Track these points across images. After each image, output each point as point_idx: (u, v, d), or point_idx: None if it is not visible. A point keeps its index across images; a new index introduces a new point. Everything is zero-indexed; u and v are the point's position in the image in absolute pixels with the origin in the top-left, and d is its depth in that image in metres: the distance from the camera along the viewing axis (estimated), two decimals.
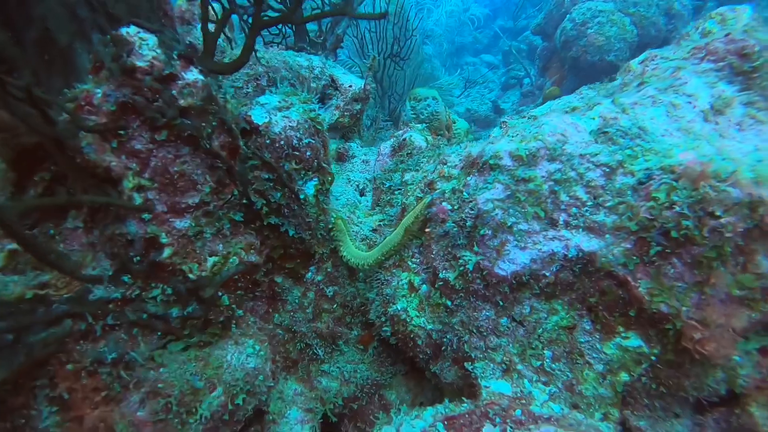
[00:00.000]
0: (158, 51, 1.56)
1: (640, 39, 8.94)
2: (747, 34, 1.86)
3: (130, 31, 1.56)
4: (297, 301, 2.14)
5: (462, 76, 12.29)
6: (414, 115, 2.79)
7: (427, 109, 2.76)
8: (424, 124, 2.71)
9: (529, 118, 2.55)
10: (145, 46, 1.55)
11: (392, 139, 2.67)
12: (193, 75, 1.62)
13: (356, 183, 3.18)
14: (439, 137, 2.73)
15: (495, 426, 1.54)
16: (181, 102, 1.59)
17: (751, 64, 1.78)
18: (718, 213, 1.43)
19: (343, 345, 2.22)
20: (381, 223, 2.26)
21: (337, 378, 2.18)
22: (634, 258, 1.57)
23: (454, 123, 3.05)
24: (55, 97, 1.59)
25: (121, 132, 1.54)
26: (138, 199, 1.61)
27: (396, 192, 2.30)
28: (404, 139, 2.55)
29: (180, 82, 1.59)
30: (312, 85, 3.80)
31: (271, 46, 4.43)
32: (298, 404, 2.11)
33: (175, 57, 1.58)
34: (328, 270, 2.17)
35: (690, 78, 1.84)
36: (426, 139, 2.55)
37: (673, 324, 1.52)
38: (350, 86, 3.88)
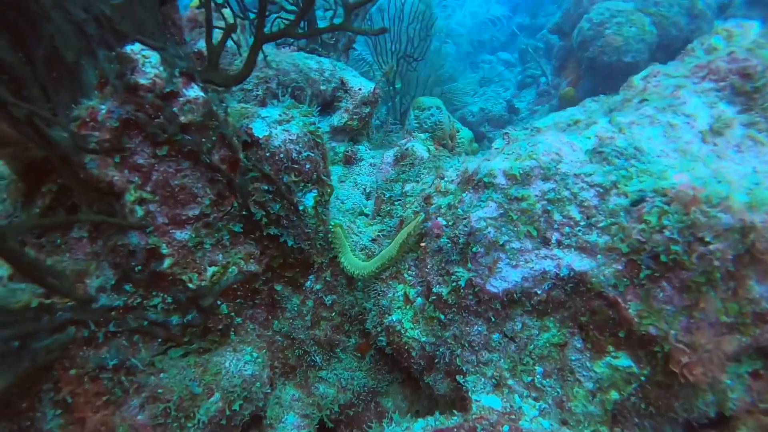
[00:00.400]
0: (160, 68, 1.61)
1: (660, 39, 8.78)
2: (751, 52, 1.84)
3: (134, 49, 1.61)
4: (296, 308, 2.18)
5: (479, 76, 12.21)
6: (417, 125, 2.81)
7: (431, 118, 2.78)
8: (428, 134, 2.72)
9: (532, 129, 2.55)
10: (148, 64, 1.60)
11: (395, 148, 2.69)
12: (194, 92, 1.66)
13: (363, 186, 3.22)
14: (443, 147, 2.74)
15: None
16: (182, 118, 1.64)
17: (753, 85, 1.77)
18: (707, 239, 1.43)
19: (341, 352, 2.26)
20: (380, 233, 2.29)
21: (335, 385, 2.23)
22: (625, 280, 1.58)
23: (458, 132, 3.06)
24: (63, 112, 1.66)
25: (124, 147, 1.60)
26: (140, 211, 1.67)
27: (396, 203, 2.32)
28: (407, 149, 2.57)
29: (181, 98, 1.64)
30: (321, 87, 3.85)
31: (283, 48, 4.49)
32: (295, 410, 2.16)
33: (177, 74, 1.63)
34: (327, 279, 2.21)
35: (690, 98, 1.82)
36: (428, 149, 2.57)
37: (662, 347, 1.53)
38: (360, 89, 3.91)
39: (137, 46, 1.62)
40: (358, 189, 3.20)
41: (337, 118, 3.82)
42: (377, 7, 7.43)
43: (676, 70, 2.02)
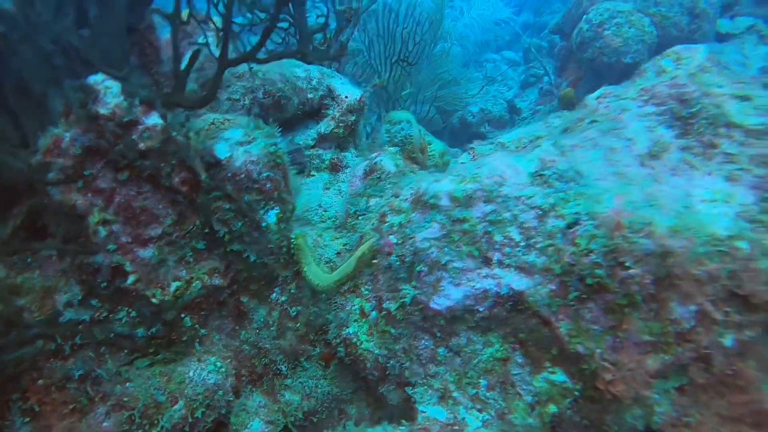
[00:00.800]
0: (120, 98, 1.71)
1: (660, 40, 8.72)
2: (692, 77, 1.90)
3: (97, 80, 1.72)
4: (262, 319, 2.28)
5: (482, 76, 12.20)
6: (388, 138, 2.89)
7: (401, 132, 2.85)
8: (398, 148, 2.80)
9: (496, 144, 2.63)
10: (110, 94, 1.71)
11: (366, 162, 2.77)
12: (152, 120, 1.77)
13: (347, 194, 3.30)
14: (413, 160, 2.82)
15: None
16: (141, 145, 1.74)
17: (690, 110, 1.83)
18: (627, 264, 1.51)
19: (306, 361, 2.36)
20: (344, 247, 2.38)
21: (299, 392, 2.33)
22: (557, 300, 1.66)
23: (430, 145, 3.13)
24: (33, 139, 1.77)
25: (86, 173, 1.71)
26: (103, 232, 1.78)
27: (360, 217, 2.41)
28: (375, 163, 2.66)
29: (140, 126, 1.75)
30: (309, 96, 3.93)
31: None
32: (260, 416, 2.26)
33: (137, 104, 1.73)
34: (292, 291, 2.30)
35: (631, 121, 1.89)
36: (396, 163, 2.65)
37: (589, 364, 1.61)
38: (346, 97, 4.00)
39: (100, 77, 1.73)
40: (342, 197, 3.29)
41: (324, 126, 3.90)
42: (377, 8, 7.48)
43: (625, 91, 2.09)
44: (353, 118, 4.01)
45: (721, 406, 1.54)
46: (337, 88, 4.11)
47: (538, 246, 1.73)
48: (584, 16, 9.40)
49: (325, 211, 3.00)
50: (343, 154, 3.90)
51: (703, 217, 1.59)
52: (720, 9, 9.63)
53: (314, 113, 4.05)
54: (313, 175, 3.68)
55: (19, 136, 1.74)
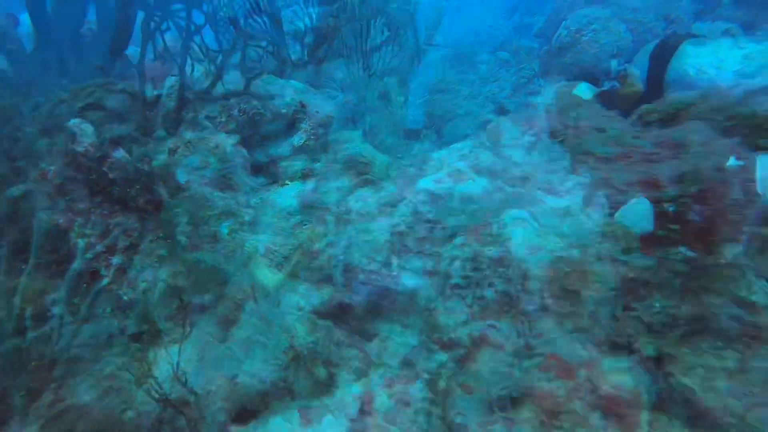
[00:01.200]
0: (93, 138, 2.16)
1: (635, 45, 9.03)
2: (563, 112, 2.31)
3: (75, 123, 2.16)
4: (221, 314, 2.72)
5: (475, 77, 12.52)
6: (333, 156, 3.31)
7: (347, 150, 3.28)
8: (341, 164, 3.22)
9: (424, 160, 3.04)
10: (85, 135, 2.15)
11: (316, 177, 3.20)
12: (120, 154, 2.21)
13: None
14: (359, 175, 3.24)
15: (333, 417, 2.10)
16: (111, 175, 2.19)
17: (557, 140, 2.23)
18: (482, 268, 1.92)
19: (260, 349, 2.79)
20: (290, 251, 2.81)
21: (255, 376, 2.76)
22: (438, 296, 2.08)
23: (374, 159, 3.55)
24: (26, 173, 2.22)
25: (67, 197, 2.16)
26: (82, 243, 2.22)
27: (304, 226, 2.84)
28: (323, 179, 3.09)
29: (110, 160, 2.19)
30: (282, 111, 4.36)
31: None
32: (220, 395, 2.70)
33: (106, 142, 2.18)
34: (246, 290, 2.74)
35: (515, 148, 2.30)
36: (341, 179, 3.07)
37: (461, 347, 2.03)
38: (317, 112, 4.43)
39: (78, 120, 2.18)
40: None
41: (297, 138, 4.30)
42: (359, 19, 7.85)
43: (515, 120, 2.50)
44: (323, 131, 4.42)
45: (563, 379, 1.95)
46: (309, 104, 4.53)
47: (427, 252, 2.15)
48: (563, 23, 9.71)
49: (294, 217, 3.42)
50: (314, 164, 4.31)
51: (552, 229, 2.00)
52: (693, 16, 9.90)
53: (289, 127, 4.48)
54: (287, 184, 4.10)
55: (15, 173, 2.19)
